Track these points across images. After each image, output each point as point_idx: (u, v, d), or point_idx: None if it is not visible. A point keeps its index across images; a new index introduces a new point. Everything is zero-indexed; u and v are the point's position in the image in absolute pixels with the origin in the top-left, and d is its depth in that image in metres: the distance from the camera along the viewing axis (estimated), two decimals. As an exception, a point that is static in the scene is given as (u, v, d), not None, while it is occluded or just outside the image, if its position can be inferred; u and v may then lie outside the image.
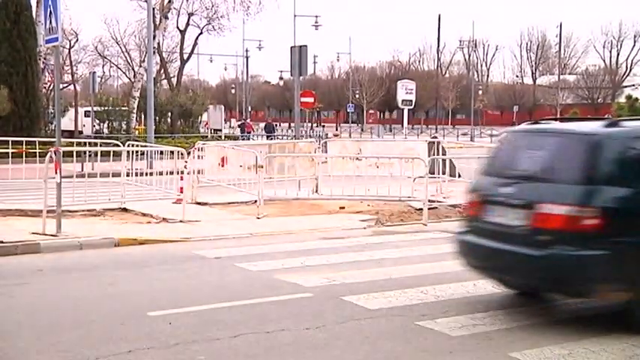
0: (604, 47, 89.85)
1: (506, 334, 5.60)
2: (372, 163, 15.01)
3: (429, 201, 12.26)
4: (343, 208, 12.98)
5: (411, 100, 62.53)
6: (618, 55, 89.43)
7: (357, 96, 76.39)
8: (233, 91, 73.79)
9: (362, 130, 74.57)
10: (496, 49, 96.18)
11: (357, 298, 6.67)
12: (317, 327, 5.78)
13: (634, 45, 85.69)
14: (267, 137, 36.25)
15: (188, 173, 12.82)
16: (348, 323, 5.90)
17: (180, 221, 11.23)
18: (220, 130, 45.10)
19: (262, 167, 12.56)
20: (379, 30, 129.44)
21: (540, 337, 5.50)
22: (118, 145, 14.97)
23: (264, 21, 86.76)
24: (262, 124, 46.69)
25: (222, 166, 14.44)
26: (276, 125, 43.62)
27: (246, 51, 58.68)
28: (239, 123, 48.59)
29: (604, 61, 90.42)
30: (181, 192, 12.31)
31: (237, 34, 79.71)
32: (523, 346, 5.28)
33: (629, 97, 77.78)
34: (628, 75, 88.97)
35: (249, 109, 63.69)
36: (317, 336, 5.58)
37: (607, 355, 5.07)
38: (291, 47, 19.79)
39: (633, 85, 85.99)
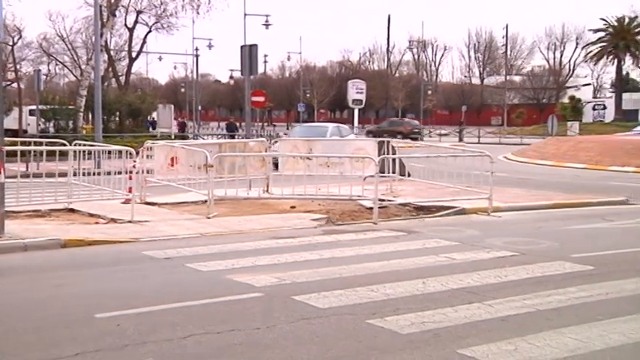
0: (548, 49, 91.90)
1: (454, 331, 5.69)
2: (322, 162, 15.06)
3: (380, 200, 12.37)
4: (294, 207, 12.99)
5: (362, 100, 62.78)
6: (562, 56, 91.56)
7: (307, 95, 76.52)
8: (183, 90, 73.04)
9: (313, 129, 74.32)
10: (445, 50, 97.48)
11: (308, 297, 6.69)
12: (267, 327, 5.78)
13: (576, 47, 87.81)
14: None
15: (137, 173, 12.65)
16: (298, 322, 5.91)
17: (129, 221, 11.09)
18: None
19: (212, 167, 12.49)
20: (330, 30, 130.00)
21: (488, 333, 5.60)
22: (64, 145, 14.67)
23: (215, 20, 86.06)
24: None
25: (172, 165, 14.30)
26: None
27: (196, 50, 58.13)
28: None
29: (548, 62, 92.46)
30: (130, 192, 12.16)
31: (187, 33, 79.09)
32: (471, 342, 5.36)
33: (572, 98, 79.74)
34: (571, 76, 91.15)
35: (199, 109, 63.05)
36: (267, 335, 5.58)
37: (551, 350, 5.19)
38: (242, 46, 19.72)
39: (576, 86, 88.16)
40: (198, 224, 11.18)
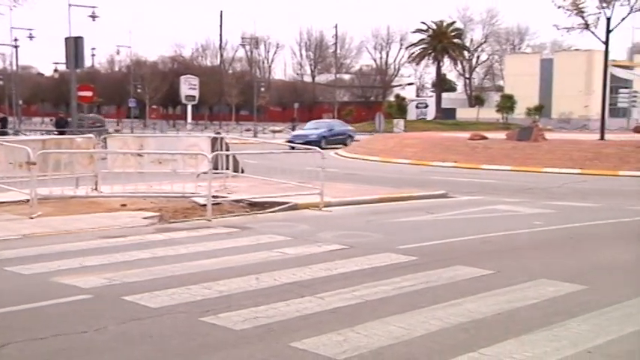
0: (375, 49, 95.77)
1: (287, 324, 5.80)
2: (154, 159, 14.74)
3: (213, 197, 12.31)
4: (125, 205, 12.62)
5: (195, 96, 62.01)
6: (387, 56, 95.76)
7: (138, 91, 74.37)
8: (1, 82, 68.39)
9: (144, 125, 72.81)
10: (277, 47, 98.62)
11: (140, 297, 6.53)
12: (96, 329, 5.58)
13: (400, 48, 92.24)
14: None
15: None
16: (129, 323, 5.76)
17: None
18: None
19: (35, 164, 11.83)
20: (161, 24, 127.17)
21: (318, 325, 5.76)
22: None
23: (36, 9, 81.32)
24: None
25: (-10, 163, 13.37)
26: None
27: (15, 40, 54.67)
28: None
29: (375, 61, 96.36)
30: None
31: (4, 22, 74.06)
32: (303, 335, 5.49)
33: (397, 97, 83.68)
34: (396, 75, 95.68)
35: (20, 103, 59.35)
36: (96, 339, 5.39)
37: (378, 338, 5.43)
38: (66, 38, 18.86)
39: (401, 85, 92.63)
40: (19, 225, 10.55)
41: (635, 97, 57.54)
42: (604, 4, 30.50)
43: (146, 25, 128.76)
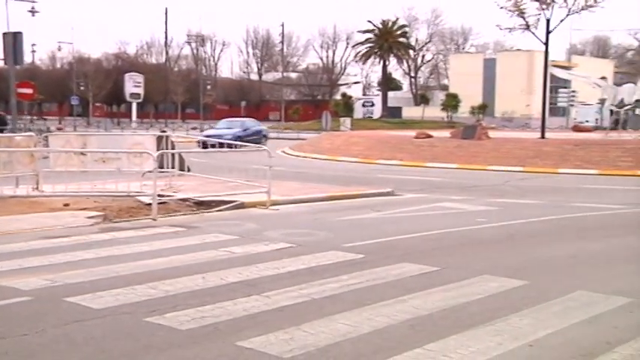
0: (322, 47, 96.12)
1: (233, 323, 5.76)
2: (98, 158, 14.49)
3: (159, 196, 12.16)
4: (68, 205, 12.36)
5: (140, 94, 61.08)
6: (334, 55, 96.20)
7: (81, 88, 72.99)
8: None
9: (88, 123, 71.51)
10: (224, 45, 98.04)
11: (82, 298, 6.41)
12: (36, 332, 5.45)
13: (347, 47, 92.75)
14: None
15: None
16: (71, 325, 5.64)
17: None
18: None
19: (-27, 163, 11.49)
20: (104, 21, 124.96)
21: (265, 324, 5.74)
22: None
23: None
24: None
25: None
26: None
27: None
28: None
29: (322, 60, 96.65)
30: None
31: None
32: (250, 334, 5.47)
33: (344, 95, 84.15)
34: (343, 74, 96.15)
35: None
36: (36, 341, 5.27)
37: (325, 336, 5.44)
38: (4, 33, 18.38)
39: (347, 84, 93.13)
40: (-44, 226, 10.23)
41: (574, 96, 59.10)
42: (544, 6, 31.34)
43: (89, 22, 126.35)
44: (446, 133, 33.51)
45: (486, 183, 19.62)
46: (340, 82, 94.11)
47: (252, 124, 40.23)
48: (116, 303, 6.30)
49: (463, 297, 6.66)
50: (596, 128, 49.54)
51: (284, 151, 33.93)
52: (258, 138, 36.66)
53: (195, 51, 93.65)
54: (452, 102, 73.13)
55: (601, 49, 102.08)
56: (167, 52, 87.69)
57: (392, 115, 77.52)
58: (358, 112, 79.54)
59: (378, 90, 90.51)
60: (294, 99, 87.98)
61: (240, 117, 58.63)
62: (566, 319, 6.02)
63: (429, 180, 20.22)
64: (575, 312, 6.24)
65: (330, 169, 24.45)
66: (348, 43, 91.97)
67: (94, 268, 7.64)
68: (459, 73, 79.55)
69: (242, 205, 12.93)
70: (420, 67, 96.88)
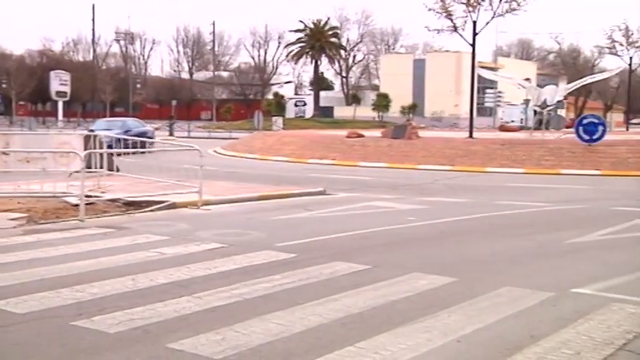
0: (253, 46, 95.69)
1: (164, 325, 5.68)
2: (22, 157, 14.07)
3: (87, 196, 11.88)
4: (-11, 207, 11.94)
5: (66, 92, 59.31)
6: (266, 54, 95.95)
7: (3, 86, 70.66)
8: None
9: (11, 122, 69.36)
10: (153, 44, 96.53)
11: (5, 303, 6.20)
12: (-43, 339, 5.25)
13: (278, 46, 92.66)
14: None
15: None
16: (-6, 331, 5.46)
17: None
18: None
19: None
20: (27, 16, 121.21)
21: (196, 325, 5.68)
22: None
23: None
24: None
25: None
26: None
27: None
28: None
29: (254, 59, 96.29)
30: None
31: None
32: (180, 336, 5.40)
33: (276, 94, 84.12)
34: (275, 73, 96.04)
35: None
36: (-42, 349, 5.07)
37: (257, 336, 5.42)
38: None
39: (279, 84, 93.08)
40: None
41: (500, 97, 60.63)
42: (470, 9, 32.13)
43: (11, 17, 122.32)
44: (377, 133, 33.88)
45: (417, 182, 19.93)
46: (272, 82, 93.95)
47: (136, 124, 35.53)
48: (41, 307, 6.12)
49: (394, 295, 6.74)
50: (521, 128, 50.94)
51: (216, 151, 33.65)
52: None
53: (124, 49, 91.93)
54: (383, 102, 74.01)
55: (525, 51, 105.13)
56: (95, 50, 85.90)
57: (324, 114, 77.89)
58: (290, 111, 79.59)
59: (310, 90, 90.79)
60: (225, 98, 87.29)
61: (171, 116, 57.83)
62: (494, 314, 6.16)
63: (360, 179, 20.40)
64: (502, 307, 6.40)
65: (263, 169, 24.39)
66: (279, 43, 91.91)
67: (17, 272, 7.40)
68: (390, 73, 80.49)
69: (173, 206, 12.76)
70: (352, 67, 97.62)
